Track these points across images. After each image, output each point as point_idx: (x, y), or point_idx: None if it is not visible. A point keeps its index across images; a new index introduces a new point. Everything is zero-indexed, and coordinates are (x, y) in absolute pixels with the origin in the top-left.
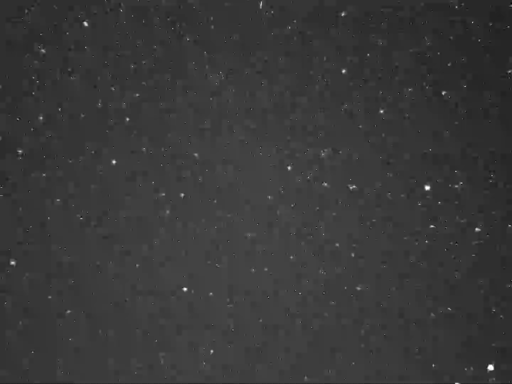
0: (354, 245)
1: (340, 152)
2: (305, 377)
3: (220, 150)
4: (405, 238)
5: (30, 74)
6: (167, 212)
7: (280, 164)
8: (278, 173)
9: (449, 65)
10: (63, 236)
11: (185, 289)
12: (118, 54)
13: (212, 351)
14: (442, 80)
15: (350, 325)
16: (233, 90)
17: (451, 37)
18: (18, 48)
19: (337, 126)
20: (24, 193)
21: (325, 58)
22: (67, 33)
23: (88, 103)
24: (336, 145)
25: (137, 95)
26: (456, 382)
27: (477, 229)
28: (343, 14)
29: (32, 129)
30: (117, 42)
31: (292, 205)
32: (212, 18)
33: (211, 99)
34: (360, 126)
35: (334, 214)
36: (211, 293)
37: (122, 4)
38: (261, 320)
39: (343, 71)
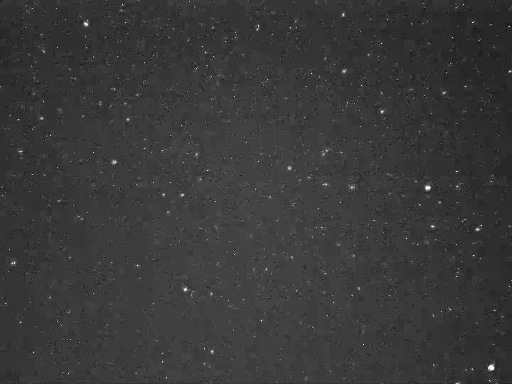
0: (354, 245)
1: (341, 152)
2: (305, 377)
3: (220, 150)
4: (405, 238)
5: (31, 74)
6: (168, 212)
7: (280, 164)
8: (278, 173)
9: (449, 65)
10: (63, 236)
11: (185, 289)
12: (119, 54)
13: (212, 351)
14: (442, 80)
15: (350, 325)
16: (233, 90)
17: (451, 37)
18: (18, 48)
19: (337, 126)
20: (24, 193)
21: (325, 58)
22: (68, 33)
23: (88, 103)
24: (336, 145)
25: (137, 95)
26: (457, 382)
27: (477, 229)
28: (343, 15)
29: (32, 129)
30: (117, 43)
31: (292, 205)
32: (212, 18)
33: (211, 99)
34: (360, 126)
35: (334, 213)
36: (211, 293)
37: (122, 5)
38: (261, 320)
39: (343, 71)
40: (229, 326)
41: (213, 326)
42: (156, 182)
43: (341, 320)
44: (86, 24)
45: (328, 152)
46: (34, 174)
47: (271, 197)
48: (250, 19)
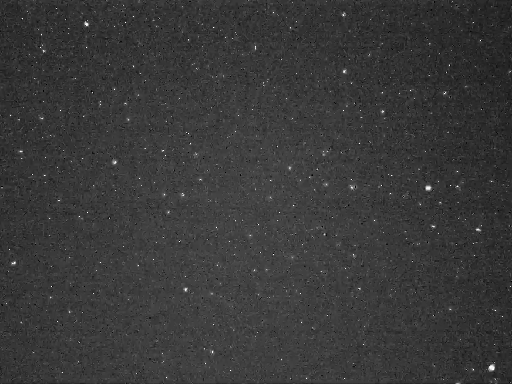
0: (354, 245)
1: (341, 152)
2: (306, 377)
3: (221, 150)
4: (405, 238)
5: (31, 74)
6: (168, 212)
7: (281, 164)
8: (278, 173)
9: (449, 65)
10: (63, 236)
11: (185, 289)
12: (119, 54)
13: (213, 351)
14: (443, 81)
15: (350, 325)
16: (233, 91)
17: (451, 37)
18: (19, 48)
19: (337, 126)
20: (24, 193)
21: (325, 58)
22: (68, 34)
23: (88, 103)
24: (337, 145)
25: (137, 95)
26: (457, 382)
27: (477, 229)
28: (343, 15)
29: (32, 129)
30: (117, 43)
31: (293, 205)
32: (212, 18)
33: (211, 99)
34: (361, 126)
35: (334, 214)
36: (212, 293)
37: (122, 5)
38: (262, 320)
39: (344, 71)
40: (229, 326)
41: (213, 326)
42: (156, 182)
43: (341, 320)
44: (86, 24)
45: (329, 152)
46: (34, 174)
47: (272, 197)
48: (251, 19)
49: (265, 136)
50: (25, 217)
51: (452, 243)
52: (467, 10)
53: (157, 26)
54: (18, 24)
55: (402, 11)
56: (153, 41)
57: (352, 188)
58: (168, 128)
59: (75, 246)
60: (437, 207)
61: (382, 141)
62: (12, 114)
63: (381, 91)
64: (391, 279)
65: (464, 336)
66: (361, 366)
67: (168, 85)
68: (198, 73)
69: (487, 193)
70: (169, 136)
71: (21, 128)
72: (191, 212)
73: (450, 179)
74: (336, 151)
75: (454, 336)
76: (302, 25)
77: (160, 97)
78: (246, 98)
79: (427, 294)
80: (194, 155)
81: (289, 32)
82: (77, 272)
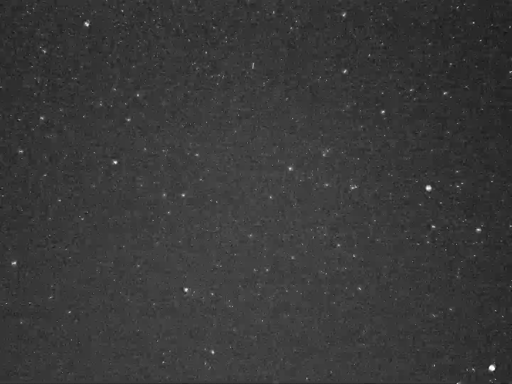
0: (355, 245)
1: (341, 152)
2: (306, 377)
3: (221, 150)
4: (406, 238)
5: (31, 74)
6: (168, 212)
7: (281, 164)
8: (279, 173)
9: (449, 65)
10: (63, 236)
11: (186, 289)
12: (119, 54)
13: (213, 352)
14: (443, 81)
15: (351, 325)
16: (233, 91)
17: (452, 37)
18: (20, 48)
19: (338, 126)
20: (24, 193)
21: (325, 58)
22: (69, 34)
23: (89, 103)
24: (337, 145)
25: (138, 95)
26: (457, 382)
27: (478, 230)
28: (343, 15)
29: (33, 129)
30: (118, 43)
31: (293, 205)
32: (212, 18)
33: (211, 99)
34: (361, 126)
35: (335, 214)
36: (212, 294)
37: (123, 5)
38: (262, 320)
39: (344, 71)
40: (229, 326)
41: (213, 326)
42: (157, 182)
43: (341, 320)
44: (86, 24)
45: (329, 152)
46: (34, 174)
47: (272, 197)
48: (251, 19)
49: (266, 136)
50: (25, 217)
51: (452, 243)
52: (467, 10)
53: (157, 27)
54: (19, 24)
55: (402, 11)
56: (154, 41)
57: (352, 188)
58: (169, 128)
59: (75, 246)
60: (437, 207)
61: (382, 141)
62: (12, 114)
63: (381, 91)
64: (391, 279)
65: (464, 336)
66: (361, 366)
67: (169, 85)
68: (198, 73)
69: (487, 193)
70: (170, 136)
71: (21, 128)
72: (192, 212)
73: (450, 179)
74: (337, 151)
75: (454, 336)
76: (302, 25)
77: (161, 97)
78: (246, 98)
79: (427, 294)
80: (194, 155)
81: (289, 32)
82: (77, 272)
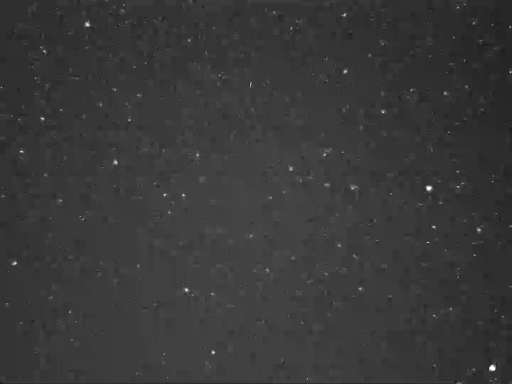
0: (355, 245)
1: (342, 152)
2: (307, 378)
3: (221, 150)
4: (406, 238)
5: (32, 74)
6: (169, 212)
7: (281, 164)
8: (279, 173)
9: (449, 65)
10: (63, 236)
11: (186, 289)
12: (120, 54)
13: (213, 352)
14: (443, 80)
15: (351, 325)
16: (233, 91)
17: (452, 37)
18: (20, 48)
19: (338, 126)
20: (24, 193)
21: (325, 58)
22: (69, 34)
23: (89, 103)
24: (337, 145)
25: (138, 95)
26: (457, 382)
27: (478, 230)
28: (343, 15)
29: (33, 129)
30: (118, 43)
31: (293, 205)
32: (212, 18)
33: (211, 99)
34: (361, 126)
35: (335, 214)
36: (212, 294)
37: (123, 5)
38: (262, 320)
39: (344, 71)
40: (230, 326)
41: (213, 326)
42: (157, 183)
43: (341, 320)
44: (87, 24)
45: (329, 152)
46: (34, 174)
47: (272, 197)
48: (251, 19)
49: (266, 136)
50: (25, 217)
51: (452, 243)
52: (467, 10)
53: (158, 27)
54: (19, 24)
55: (402, 11)
56: (154, 41)
57: (352, 188)
58: (169, 128)
59: (76, 246)
60: (437, 207)
61: (382, 141)
62: (12, 114)
63: (381, 91)
64: (391, 279)
65: (464, 336)
66: (361, 366)
67: (169, 85)
68: (198, 73)
69: (487, 193)
70: (170, 136)
71: (21, 128)
72: (192, 213)
73: (450, 179)
74: (337, 152)
75: (454, 336)
76: (302, 25)
77: (161, 97)
78: (246, 98)
79: (427, 294)
80: (195, 155)
81: (289, 32)
82: (77, 273)
